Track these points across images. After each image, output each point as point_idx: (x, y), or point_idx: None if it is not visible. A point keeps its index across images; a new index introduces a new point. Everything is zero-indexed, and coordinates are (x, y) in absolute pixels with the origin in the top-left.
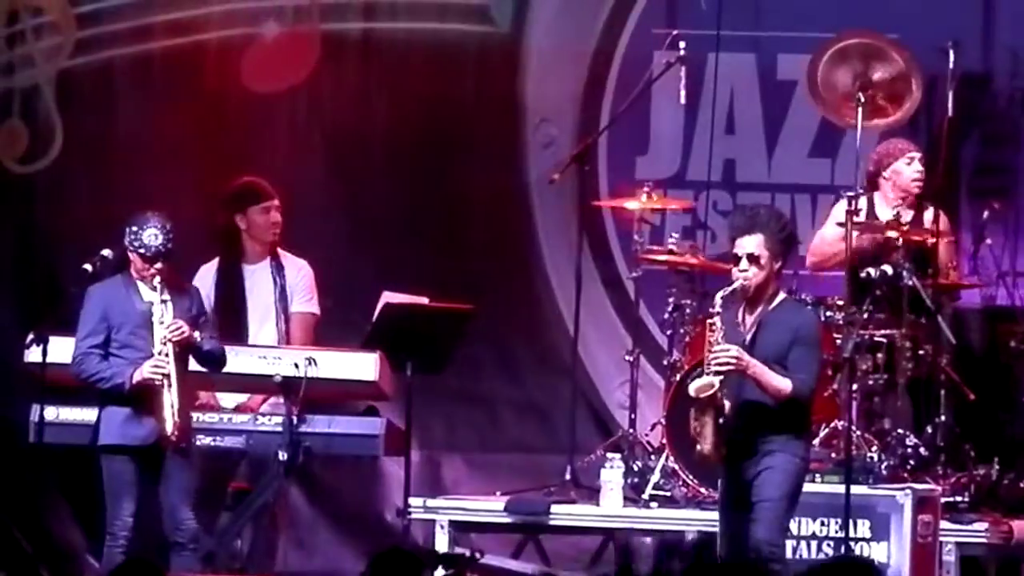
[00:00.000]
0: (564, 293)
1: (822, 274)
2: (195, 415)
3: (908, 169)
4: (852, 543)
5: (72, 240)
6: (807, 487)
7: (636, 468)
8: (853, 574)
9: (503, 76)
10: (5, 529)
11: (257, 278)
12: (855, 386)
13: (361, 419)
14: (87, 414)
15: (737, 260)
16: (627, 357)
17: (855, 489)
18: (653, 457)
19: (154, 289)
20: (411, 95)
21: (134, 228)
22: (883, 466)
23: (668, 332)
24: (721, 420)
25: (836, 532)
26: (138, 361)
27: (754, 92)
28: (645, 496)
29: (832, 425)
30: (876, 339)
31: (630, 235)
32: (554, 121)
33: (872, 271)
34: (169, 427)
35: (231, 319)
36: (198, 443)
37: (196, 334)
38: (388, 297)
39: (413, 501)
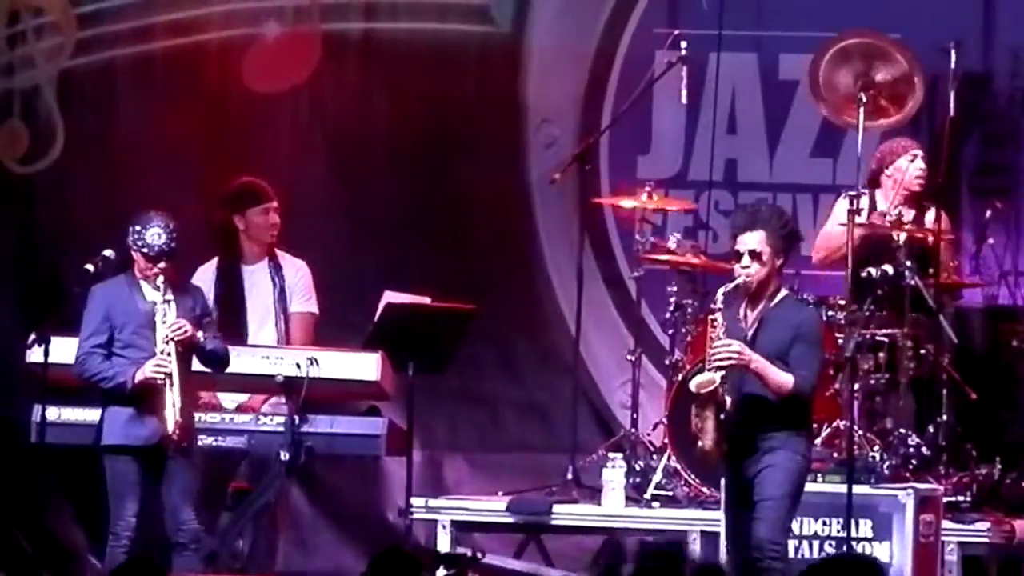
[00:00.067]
0: (566, 293)
1: (824, 273)
2: (197, 415)
3: (910, 167)
4: (854, 543)
5: (73, 240)
6: (809, 487)
7: (638, 468)
8: (855, 571)
9: (504, 76)
10: (6, 529)
11: (256, 278)
12: (857, 385)
13: (363, 419)
14: (89, 414)
15: (739, 256)
16: (629, 357)
17: (857, 489)
18: (655, 457)
19: (157, 289)
20: (412, 95)
21: (137, 227)
22: (885, 466)
23: (670, 332)
24: (722, 416)
25: (838, 532)
26: (141, 361)
27: (756, 92)
28: (647, 496)
29: (834, 425)
30: (878, 338)
31: (632, 235)
32: (555, 121)
33: (873, 271)
34: (171, 426)
35: (230, 319)
36: (199, 443)
37: (199, 334)
38: (390, 297)
39: (415, 501)
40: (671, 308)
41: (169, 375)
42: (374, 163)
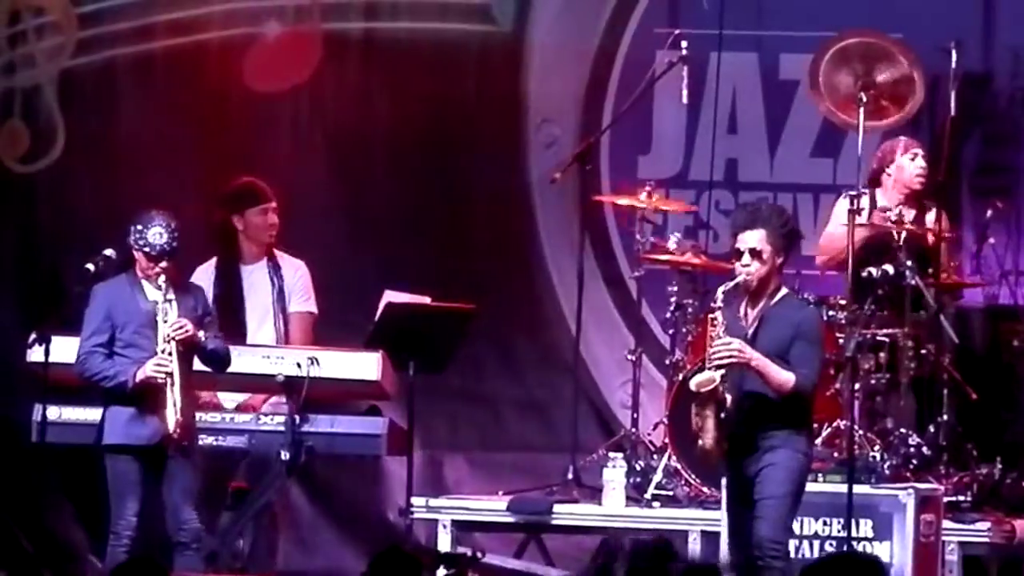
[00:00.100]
0: (566, 292)
1: (825, 273)
2: (197, 415)
3: (911, 164)
4: (855, 543)
5: (74, 240)
6: (809, 487)
7: (638, 467)
8: (858, 570)
9: (505, 76)
10: (7, 529)
11: (254, 278)
12: (857, 385)
13: (363, 419)
14: (89, 414)
15: (739, 255)
16: (629, 356)
17: (858, 489)
18: (655, 456)
19: (159, 288)
20: (413, 95)
21: (139, 227)
22: (886, 465)
23: (670, 331)
24: (723, 415)
25: (839, 532)
26: (142, 360)
27: (756, 92)
28: (647, 496)
29: (835, 424)
30: (878, 338)
31: (632, 234)
32: (556, 121)
33: (874, 270)
34: (171, 425)
35: (229, 319)
36: (200, 442)
37: (201, 333)
38: (390, 297)
39: (415, 501)
40: (672, 308)
41: (170, 374)
42: (375, 163)
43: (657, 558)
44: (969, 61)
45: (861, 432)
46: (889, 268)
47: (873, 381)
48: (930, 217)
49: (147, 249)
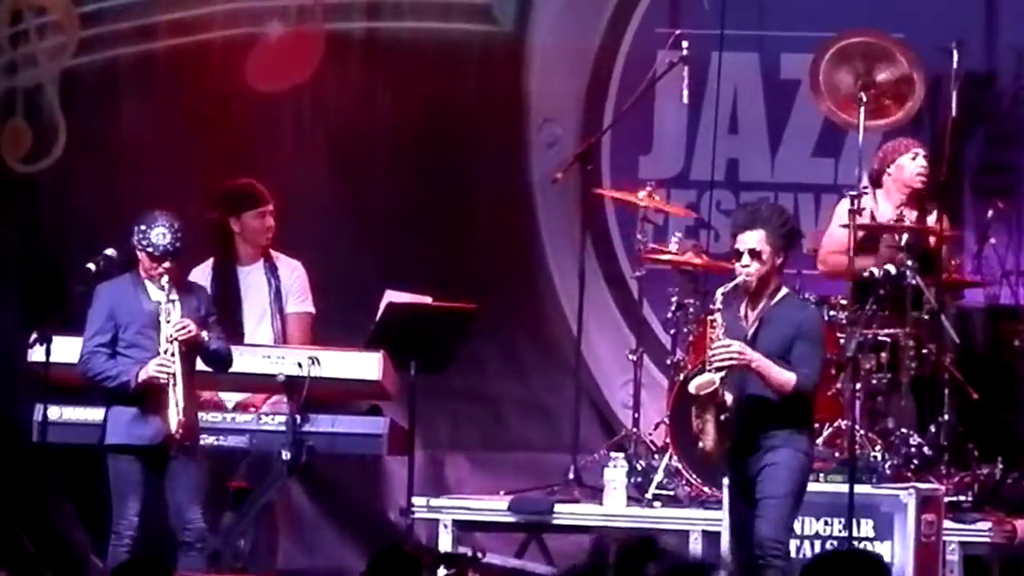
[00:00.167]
0: (567, 292)
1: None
2: (200, 415)
3: (912, 164)
4: (856, 543)
5: (76, 239)
6: (810, 487)
7: (640, 467)
8: (860, 567)
9: (506, 75)
10: (9, 529)
11: (251, 279)
12: (858, 385)
13: (364, 418)
14: (90, 413)
15: (739, 255)
16: (630, 356)
17: (859, 488)
18: (657, 456)
19: (162, 288)
20: (415, 95)
21: (142, 227)
22: (887, 465)
23: (671, 331)
24: (723, 417)
25: (840, 531)
26: (145, 361)
27: (757, 91)
28: (648, 495)
29: (836, 424)
30: (880, 338)
31: (633, 234)
32: (558, 120)
33: (875, 270)
34: (174, 426)
35: (227, 320)
36: (201, 442)
37: (204, 333)
38: (391, 296)
39: (416, 500)
40: (673, 308)
41: (172, 375)
42: (376, 162)
43: (639, 555)
44: (972, 61)
45: (862, 432)
46: (891, 268)
47: (874, 381)
48: (931, 219)
49: (150, 249)
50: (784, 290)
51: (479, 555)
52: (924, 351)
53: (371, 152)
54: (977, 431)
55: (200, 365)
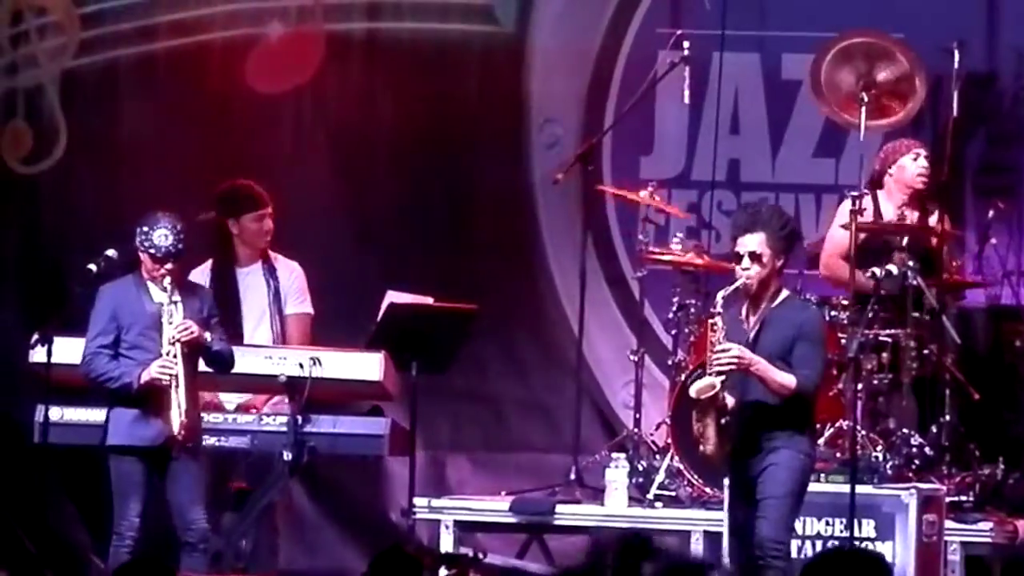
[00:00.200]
0: (568, 292)
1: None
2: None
3: (913, 164)
4: (857, 543)
5: (76, 240)
6: (812, 487)
7: (641, 468)
8: (862, 566)
9: (507, 76)
10: (10, 529)
11: (250, 281)
12: (860, 386)
13: (366, 419)
14: (91, 414)
15: (739, 258)
16: (631, 357)
17: (860, 489)
18: (658, 457)
19: (164, 290)
20: (415, 95)
21: (144, 228)
22: (888, 466)
23: (673, 332)
24: (723, 421)
25: (841, 532)
26: (147, 362)
27: (758, 92)
28: (650, 496)
29: (837, 425)
30: (881, 339)
31: (634, 234)
32: (558, 121)
33: (877, 271)
34: (176, 427)
35: (226, 322)
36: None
37: (207, 335)
38: (392, 297)
39: (418, 501)
40: (674, 308)
41: (175, 376)
42: (377, 163)
43: (635, 555)
44: (973, 61)
45: (864, 432)
46: (892, 268)
47: (875, 381)
48: (933, 220)
49: (152, 251)
50: (785, 292)
51: (480, 556)
52: (925, 351)
53: (372, 152)
54: (978, 431)
55: (202, 366)
